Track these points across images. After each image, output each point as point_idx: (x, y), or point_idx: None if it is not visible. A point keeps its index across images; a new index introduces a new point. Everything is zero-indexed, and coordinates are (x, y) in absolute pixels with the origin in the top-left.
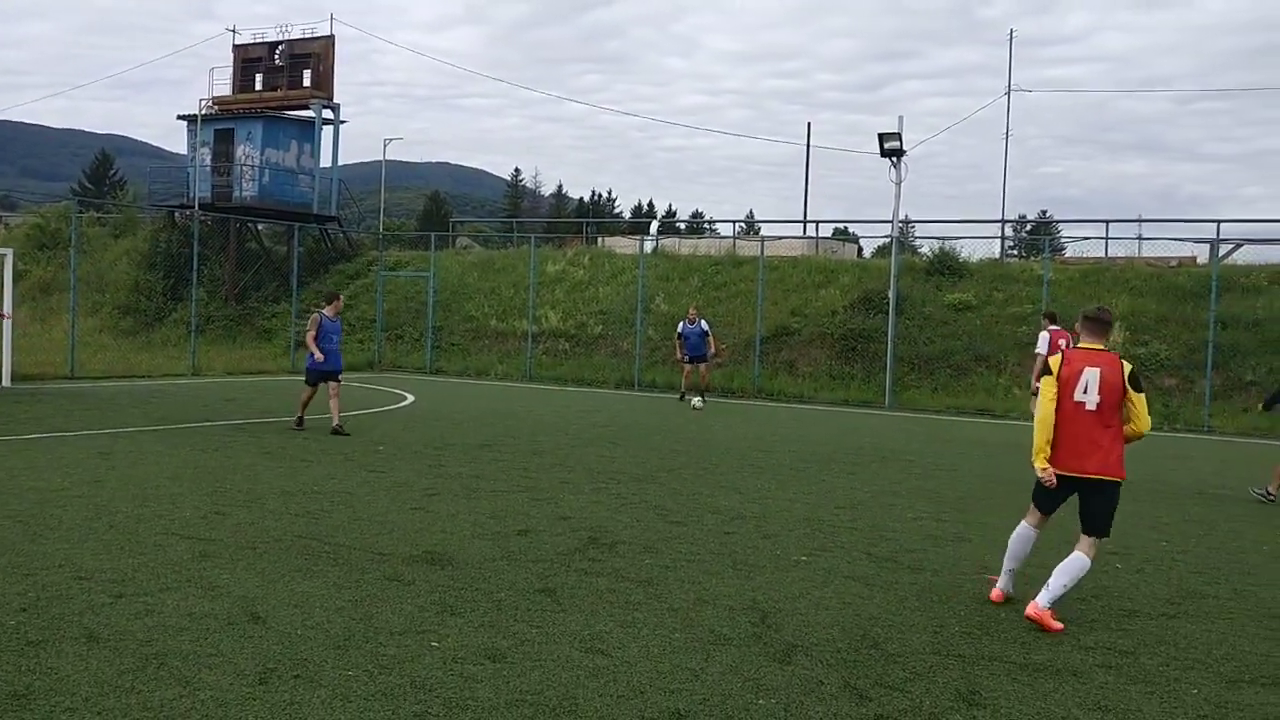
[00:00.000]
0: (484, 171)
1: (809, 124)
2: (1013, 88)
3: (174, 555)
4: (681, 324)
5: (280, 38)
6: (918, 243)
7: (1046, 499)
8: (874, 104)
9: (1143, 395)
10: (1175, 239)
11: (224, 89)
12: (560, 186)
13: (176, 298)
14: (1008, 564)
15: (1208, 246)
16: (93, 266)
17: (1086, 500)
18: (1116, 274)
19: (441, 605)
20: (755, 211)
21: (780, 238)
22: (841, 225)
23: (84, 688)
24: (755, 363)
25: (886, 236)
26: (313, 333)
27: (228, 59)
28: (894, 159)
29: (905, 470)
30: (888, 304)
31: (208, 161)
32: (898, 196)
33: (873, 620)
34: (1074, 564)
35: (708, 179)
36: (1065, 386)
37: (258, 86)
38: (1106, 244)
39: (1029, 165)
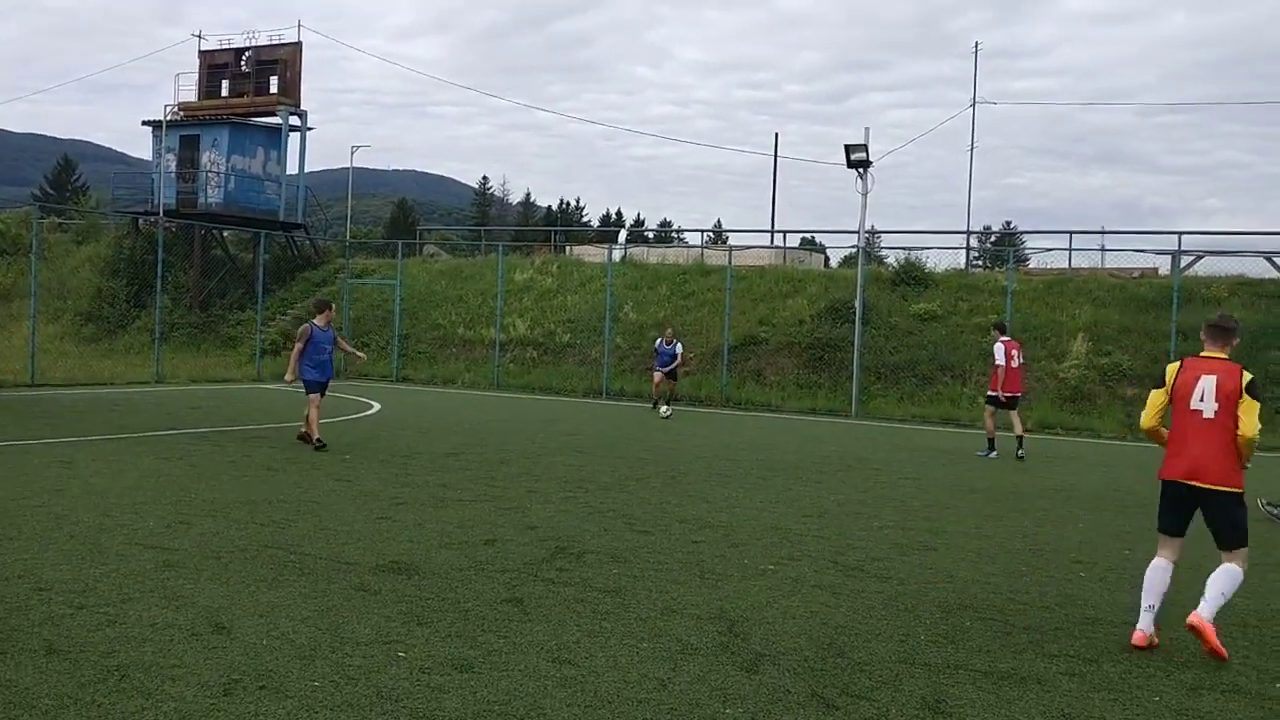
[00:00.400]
0: (451, 179)
1: (776, 135)
2: (978, 100)
3: (137, 565)
4: (659, 341)
5: (247, 44)
6: (884, 253)
7: (1169, 518)
8: (841, 115)
9: (1257, 403)
10: (1138, 250)
11: (190, 95)
12: (528, 194)
13: (140, 305)
14: (1145, 600)
15: (1169, 258)
16: (54, 273)
17: (1210, 517)
18: (1080, 284)
19: (408, 615)
20: (723, 221)
21: (748, 247)
22: (809, 235)
23: (43, 700)
24: (723, 371)
25: (853, 246)
26: (300, 345)
27: (194, 65)
28: (860, 170)
29: (872, 479)
30: (854, 314)
31: (173, 168)
32: (864, 207)
33: (839, 629)
34: (1225, 575)
35: (675, 188)
36: (1179, 395)
37: (224, 93)
38: (1070, 255)
39: (994, 176)
